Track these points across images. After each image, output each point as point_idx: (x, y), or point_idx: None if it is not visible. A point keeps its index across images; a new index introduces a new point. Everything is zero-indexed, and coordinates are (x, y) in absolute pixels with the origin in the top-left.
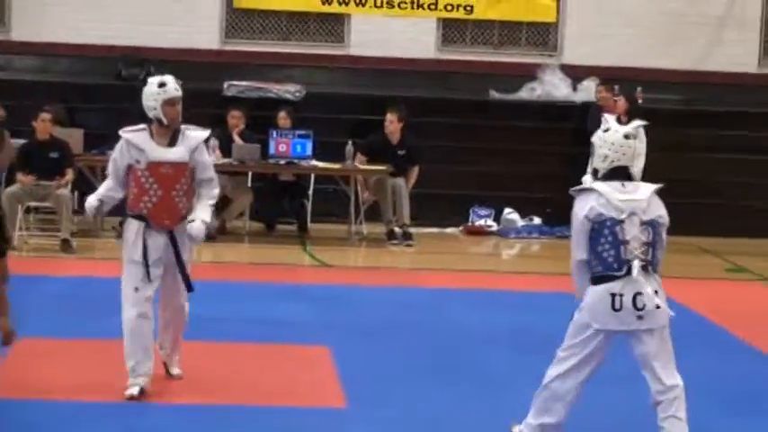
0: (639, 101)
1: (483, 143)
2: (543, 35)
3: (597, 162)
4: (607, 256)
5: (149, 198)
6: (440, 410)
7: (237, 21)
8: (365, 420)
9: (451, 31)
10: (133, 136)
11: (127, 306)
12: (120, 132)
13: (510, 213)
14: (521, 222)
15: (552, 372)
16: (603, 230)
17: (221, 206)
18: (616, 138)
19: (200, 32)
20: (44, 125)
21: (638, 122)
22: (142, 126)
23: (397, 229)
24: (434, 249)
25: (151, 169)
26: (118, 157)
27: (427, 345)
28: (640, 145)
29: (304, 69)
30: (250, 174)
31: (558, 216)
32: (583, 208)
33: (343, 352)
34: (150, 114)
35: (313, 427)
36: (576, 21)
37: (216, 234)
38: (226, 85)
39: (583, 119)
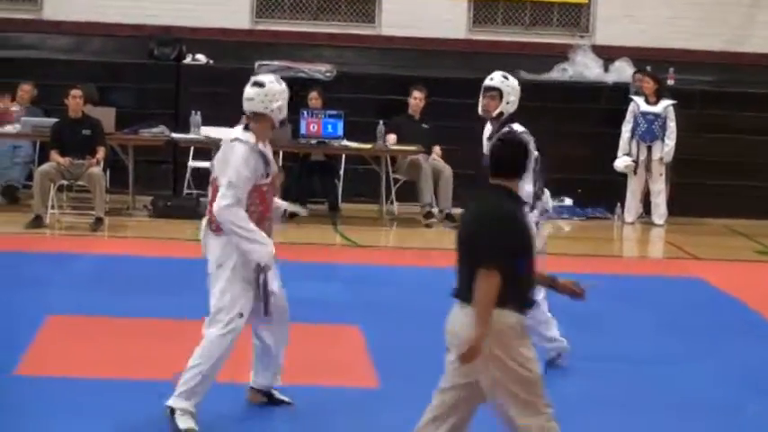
0: (671, 82)
1: None
2: (575, 15)
3: (505, 107)
4: (537, 189)
5: (268, 216)
6: None
7: (268, 0)
8: (398, 399)
9: (483, 11)
10: (260, 145)
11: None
12: (251, 141)
13: None
14: (552, 203)
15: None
16: (536, 167)
17: None
18: (516, 84)
19: (232, 12)
20: (75, 102)
21: (667, 102)
22: (249, 132)
23: (435, 211)
24: None
25: (274, 181)
26: (251, 174)
27: None
28: (671, 124)
29: (335, 49)
30: (281, 153)
31: (589, 196)
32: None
33: (375, 331)
34: (278, 116)
35: (346, 406)
36: (607, 1)
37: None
38: (257, 64)
39: (614, 99)
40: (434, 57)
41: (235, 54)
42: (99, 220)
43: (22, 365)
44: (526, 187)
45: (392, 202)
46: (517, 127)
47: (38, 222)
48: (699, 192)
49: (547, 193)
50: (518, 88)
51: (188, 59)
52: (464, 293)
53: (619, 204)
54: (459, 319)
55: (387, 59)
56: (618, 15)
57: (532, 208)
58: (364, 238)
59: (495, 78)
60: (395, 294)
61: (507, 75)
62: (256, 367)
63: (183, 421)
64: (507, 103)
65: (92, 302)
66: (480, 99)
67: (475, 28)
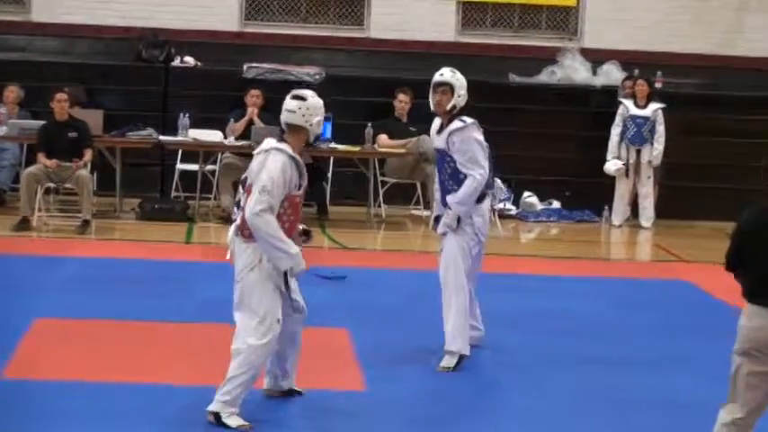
0: (659, 85)
1: (502, 126)
2: (563, 19)
3: (457, 100)
4: (489, 177)
5: (296, 224)
6: (458, 394)
7: (257, 2)
8: (383, 403)
9: (471, 14)
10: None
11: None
12: (288, 151)
13: (529, 197)
14: (540, 206)
15: (461, 299)
16: (488, 156)
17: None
18: (463, 78)
19: (220, 14)
20: (60, 106)
21: (656, 105)
22: (285, 143)
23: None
24: None
25: (304, 192)
26: (286, 183)
27: None
28: (660, 128)
29: (323, 52)
30: None
31: (576, 199)
32: (479, 136)
33: (362, 334)
34: (316, 130)
35: (332, 409)
36: (596, 4)
37: None
38: (245, 67)
39: (603, 102)
40: (423, 60)
41: (223, 56)
42: (86, 223)
43: (8, 369)
44: (481, 171)
45: (380, 205)
46: (467, 119)
47: (24, 225)
48: (686, 194)
49: (498, 181)
50: (465, 82)
51: (176, 62)
52: None
53: (606, 207)
54: None
55: (375, 62)
56: (606, 18)
57: (484, 197)
58: (352, 241)
59: (446, 74)
60: (383, 297)
61: (454, 70)
62: (274, 372)
63: (232, 420)
64: (458, 96)
65: (79, 305)
66: (431, 96)
67: (464, 31)
